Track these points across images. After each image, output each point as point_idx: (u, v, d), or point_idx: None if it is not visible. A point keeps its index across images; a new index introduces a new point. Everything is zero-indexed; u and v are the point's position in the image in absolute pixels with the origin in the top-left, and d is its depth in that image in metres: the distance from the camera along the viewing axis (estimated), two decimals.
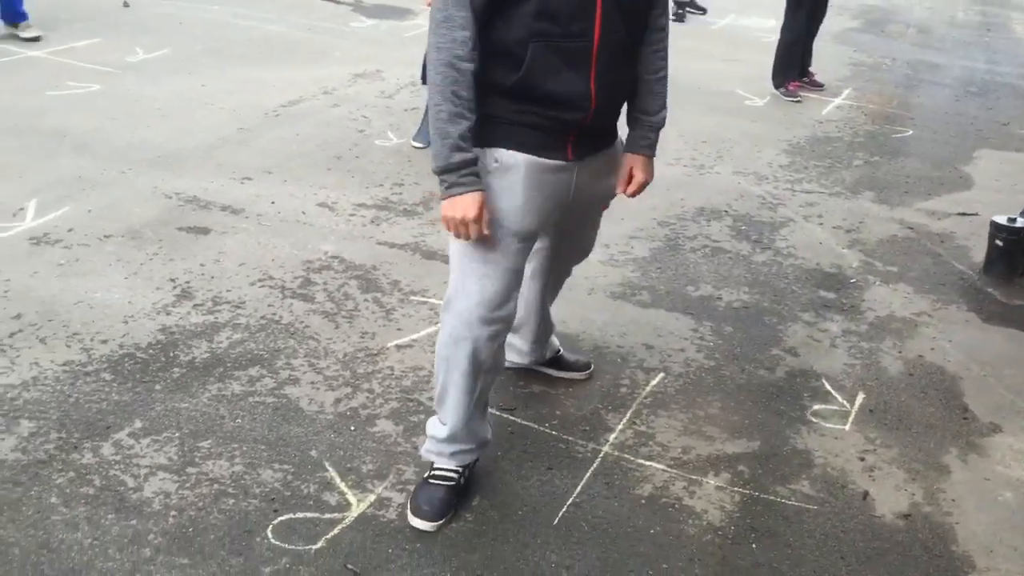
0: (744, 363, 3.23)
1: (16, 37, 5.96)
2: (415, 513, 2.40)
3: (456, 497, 2.46)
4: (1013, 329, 3.60)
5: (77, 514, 2.34)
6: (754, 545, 2.44)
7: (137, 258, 3.57)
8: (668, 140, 5.24)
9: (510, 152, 2.21)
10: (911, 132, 5.79)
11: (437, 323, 3.29)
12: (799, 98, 6.24)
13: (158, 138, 4.70)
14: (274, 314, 3.28)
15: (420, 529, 2.38)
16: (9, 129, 4.66)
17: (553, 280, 2.85)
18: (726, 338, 3.37)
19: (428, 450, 2.50)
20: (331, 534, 2.35)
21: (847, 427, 2.94)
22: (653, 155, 2.47)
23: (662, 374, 3.13)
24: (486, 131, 2.19)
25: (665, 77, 2.41)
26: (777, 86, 6.30)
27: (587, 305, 3.50)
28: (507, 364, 2.83)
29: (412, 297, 3.47)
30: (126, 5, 7.07)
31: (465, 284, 2.29)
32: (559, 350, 3.06)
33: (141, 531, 2.31)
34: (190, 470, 2.52)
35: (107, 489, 2.43)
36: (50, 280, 3.37)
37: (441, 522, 2.39)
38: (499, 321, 2.32)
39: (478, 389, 2.38)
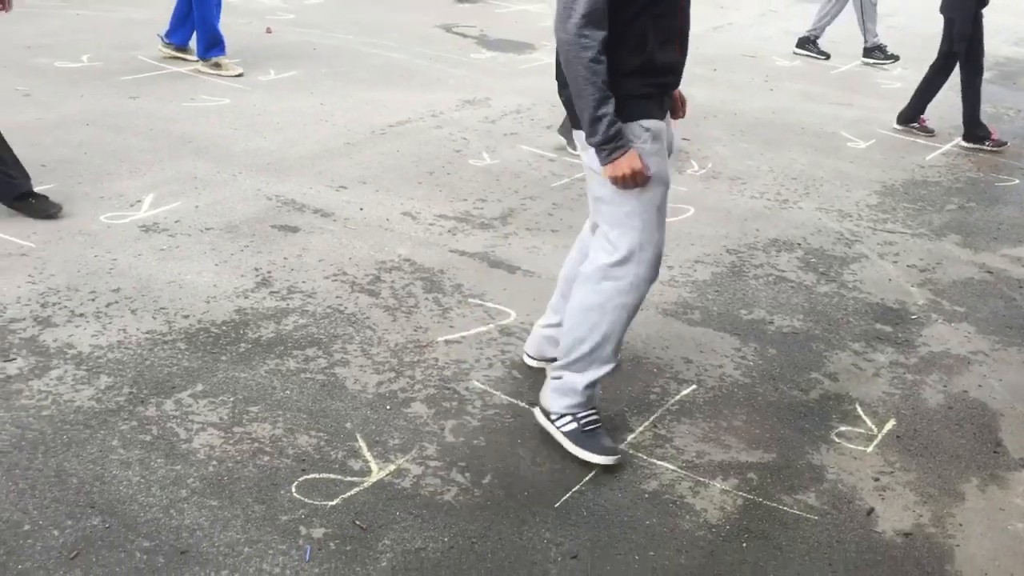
0: (779, 383, 3.30)
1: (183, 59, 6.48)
2: (601, 452, 2.75)
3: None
4: None
5: (131, 456, 2.65)
6: (744, 544, 2.52)
7: (229, 249, 3.93)
8: (756, 175, 5.34)
9: (652, 120, 2.64)
10: (1017, 181, 5.65)
11: (487, 324, 3.51)
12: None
13: (270, 147, 5.11)
14: (340, 304, 3.56)
15: (607, 464, 2.74)
16: (143, 132, 5.16)
17: None
18: (767, 359, 3.44)
19: (579, 403, 2.81)
20: (348, 494, 2.58)
21: (869, 449, 2.98)
22: None
23: (694, 386, 3.23)
24: (626, 108, 2.59)
25: None
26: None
27: (636, 319, 3.64)
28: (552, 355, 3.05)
29: (470, 300, 3.69)
30: (269, 31, 7.65)
31: (650, 234, 2.69)
32: None
33: (183, 475, 2.59)
34: (236, 429, 2.80)
35: (161, 438, 2.73)
36: (150, 262, 3.76)
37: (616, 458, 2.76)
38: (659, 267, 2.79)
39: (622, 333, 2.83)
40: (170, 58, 6.50)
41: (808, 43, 8.55)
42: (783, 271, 4.19)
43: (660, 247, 2.74)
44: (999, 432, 3.12)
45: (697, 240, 4.41)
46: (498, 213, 4.54)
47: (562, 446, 2.82)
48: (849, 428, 3.08)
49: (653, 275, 2.76)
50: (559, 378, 2.84)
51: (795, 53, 8.51)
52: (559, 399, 2.84)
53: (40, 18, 7.37)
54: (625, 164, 2.57)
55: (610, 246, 2.71)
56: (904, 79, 7.84)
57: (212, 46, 6.29)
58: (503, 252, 4.13)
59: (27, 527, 2.37)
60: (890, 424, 3.12)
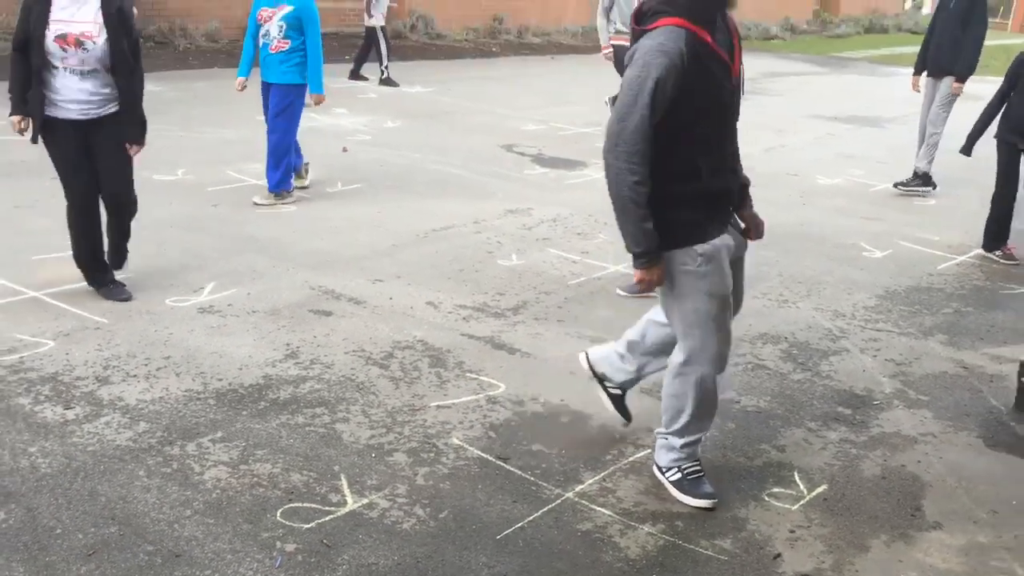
0: (729, 451, 3.67)
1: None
2: (701, 497, 3.25)
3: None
4: (1016, 457, 3.79)
5: (152, 483, 3.20)
6: (654, 575, 2.89)
7: (269, 328, 4.55)
8: (765, 278, 5.75)
9: (706, 245, 3.07)
10: (1022, 290, 5.90)
11: (478, 394, 3.99)
12: (1017, 261, 6.41)
13: (324, 247, 5.79)
14: (352, 374, 4.11)
15: (706, 506, 3.24)
16: (216, 233, 5.91)
17: None
18: (724, 432, 3.82)
19: (680, 458, 3.31)
20: (322, 520, 3.06)
21: (794, 507, 3.32)
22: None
23: (648, 451, 3.63)
24: (680, 233, 3.06)
25: None
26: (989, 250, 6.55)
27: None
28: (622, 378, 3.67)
29: (468, 374, 4.19)
30: (344, 150, 8.50)
31: (708, 340, 3.19)
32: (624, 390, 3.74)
33: (190, 498, 3.13)
34: (241, 467, 3.33)
35: (179, 471, 3.29)
36: (200, 337, 4.40)
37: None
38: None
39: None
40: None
41: (918, 178, 8.42)
42: (763, 360, 4.57)
43: (720, 348, 3.22)
44: (922, 500, 3.42)
45: None
46: (512, 304, 5.06)
47: (516, 492, 3.26)
48: (781, 490, 3.42)
49: (716, 370, 3.25)
50: (665, 439, 3.35)
51: (897, 187, 8.43)
52: (665, 455, 3.36)
53: (149, 138, 8.39)
54: (656, 272, 3.06)
55: (678, 349, 3.24)
56: (937, 196, 8.17)
57: (283, 182, 6.75)
58: (508, 337, 4.63)
59: (59, 531, 2.93)
60: (821, 488, 3.45)
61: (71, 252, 4.79)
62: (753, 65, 18.41)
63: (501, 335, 4.65)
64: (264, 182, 6.79)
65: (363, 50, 12.84)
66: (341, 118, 9.98)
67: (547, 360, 4.41)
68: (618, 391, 3.71)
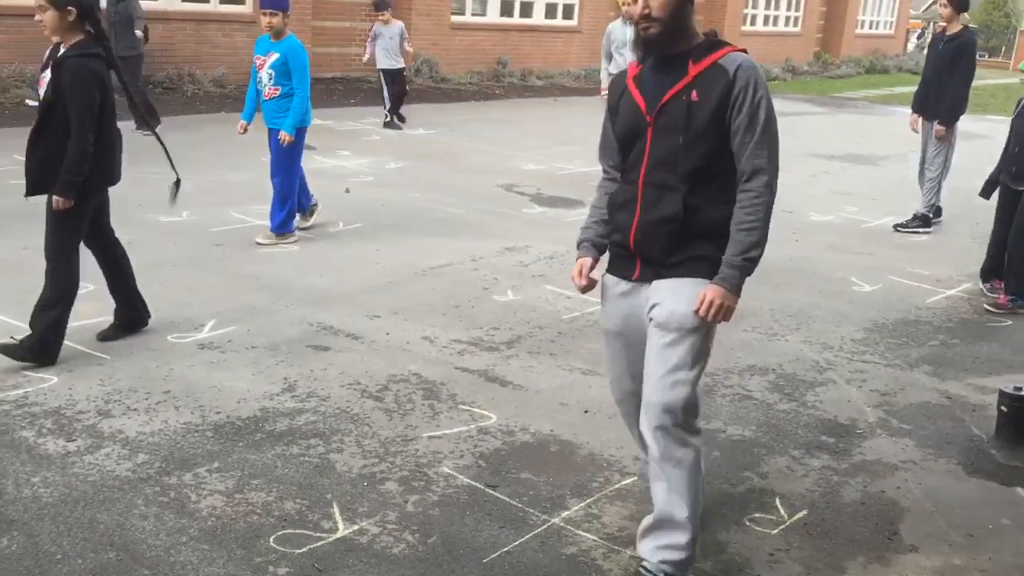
0: (713, 479, 3.76)
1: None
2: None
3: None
4: (993, 483, 3.87)
5: (149, 511, 3.31)
6: None
7: (267, 363, 4.67)
8: (756, 312, 5.85)
9: (607, 275, 3.23)
10: (1009, 322, 5.99)
11: (469, 424, 4.10)
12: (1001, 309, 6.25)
13: (323, 284, 5.93)
14: (348, 407, 4.22)
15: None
16: (219, 272, 6.06)
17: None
18: (709, 461, 3.90)
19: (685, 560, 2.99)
20: (314, 545, 3.16)
21: (774, 532, 3.40)
22: (727, 286, 2.93)
23: (635, 478, 3.73)
24: None
25: (750, 229, 2.95)
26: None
27: (599, 423, 4.17)
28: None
29: (460, 406, 4.30)
30: (347, 191, 8.67)
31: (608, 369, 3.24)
32: None
33: (186, 526, 3.23)
34: (236, 495, 3.44)
35: (176, 500, 3.39)
36: (200, 372, 4.52)
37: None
38: (617, 400, 3.34)
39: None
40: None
41: (916, 220, 8.48)
42: (750, 391, 4.67)
43: (613, 382, 3.23)
44: (900, 524, 3.50)
45: None
46: (506, 339, 5.17)
47: (504, 518, 3.36)
48: (762, 515, 3.51)
49: (616, 400, 3.31)
50: None
51: (896, 229, 8.46)
52: None
53: (155, 183, 8.53)
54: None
55: None
56: (929, 232, 8.30)
57: (286, 223, 6.91)
58: (501, 370, 4.74)
59: (59, 556, 3.03)
60: (801, 514, 3.54)
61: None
62: None
63: (494, 368, 4.76)
64: (267, 222, 6.94)
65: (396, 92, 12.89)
66: (345, 160, 10.17)
67: (539, 392, 4.51)
68: None
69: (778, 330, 5.60)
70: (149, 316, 4.99)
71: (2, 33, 12.26)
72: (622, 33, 9.38)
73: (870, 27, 33.52)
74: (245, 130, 6.90)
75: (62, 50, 4.44)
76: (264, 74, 6.67)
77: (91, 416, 4.00)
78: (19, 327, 4.70)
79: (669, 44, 2.92)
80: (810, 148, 13.19)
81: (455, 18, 18.62)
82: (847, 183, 10.76)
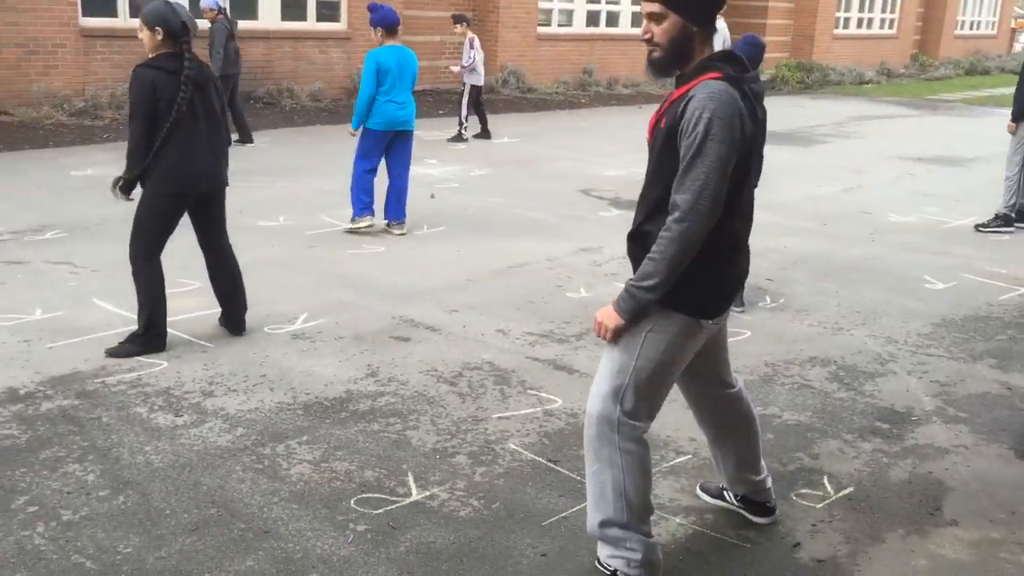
0: (766, 458, 3.95)
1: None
2: None
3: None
4: None
5: (246, 476, 3.70)
6: (680, 557, 3.23)
7: (352, 351, 5.04)
8: (823, 308, 6.00)
9: None
10: None
11: (536, 407, 4.39)
12: None
13: (406, 282, 6.30)
14: (425, 390, 4.56)
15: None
16: (311, 271, 6.49)
17: None
18: (764, 442, 4.08)
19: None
20: (390, 507, 3.50)
21: (819, 506, 3.60)
22: (615, 308, 2.94)
23: (690, 456, 3.97)
24: None
25: (650, 259, 2.84)
26: None
27: (664, 409, 4.41)
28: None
29: (529, 391, 4.59)
30: (432, 197, 9.07)
31: None
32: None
33: (278, 488, 3.60)
34: (323, 464, 3.80)
35: (269, 467, 3.77)
36: (292, 358, 4.92)
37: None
38: None
39: None
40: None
41: (998, 219, 8.49)
42: (809, 380, 4.84)
43: None
44: (943, 501, 3.66)
45: (742, 356, 5.13)
46: (576, 332, 5.45)
47: (563, 488, 3.64)
48: (809, 491, 3.71)
49: None
50: None
51: (977, 229, 8.49)
52: None
53: (255, 190, 9.11)
54: None
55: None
56: (1012, 232, 8.25)
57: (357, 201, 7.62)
58: (569, 359, 5.02)
59: (167, 511, 3.43)
60: (848, 490, 3.73)
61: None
62: (840, 109, 18.56)
63: (563, 357, 5.05)
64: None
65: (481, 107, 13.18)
66: (432, 168, 10.59)
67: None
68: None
69: (844, 325, 5.74)
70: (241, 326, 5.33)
71: (115, 54, 13.10)
72: None
73: (971, 28, 32.72)
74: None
75: None
76: None
77: (196, 396, 4.43)
78: (130, 317, 5.17)
79: (668, 69, 2.95)
80: (896, 151, 13.11)
81: (541, 29, 18.98)
82: (931, 184, 10.69)
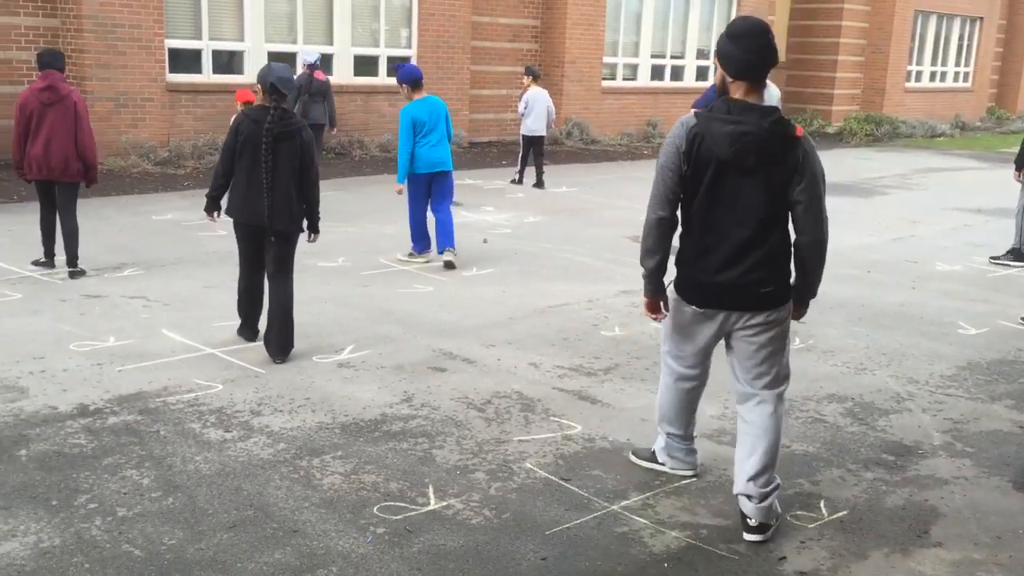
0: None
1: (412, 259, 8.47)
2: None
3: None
4: None
5: (283, 483, 4.07)
6: (666, 565, 3.48)
7: (392, 379, 5.41)
8: (850, 350, 6.19)
9: None
10: None
11: (556, 432, 4.69)
12: None
13: (450, 319, 6.67)
14: (454, 415, 4.89)
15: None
16: (362, 307, 6.90)
17: None
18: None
19: None
20: (409, 514, 3.83)
21: (811, 525, 3.81)
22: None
23: (694, 478, 4.21)
24: None
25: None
26: None
27: None
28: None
29: (552, 418, 4.89)
30: (485, 242, 9.47)
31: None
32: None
33: (310, 495, 3.96)
34: (352, 476, 4.15)
35: (304, 476, 4.14)
36: (335, 384, 5.31)
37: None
38: None
39: None
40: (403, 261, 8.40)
41: (1010, 253, 9.23)
42: (824, 415, 5.04)
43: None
44: (933, 526, 3.84)
45: None
46: (605, 366, 5.74)
47: (569, 503, 3.93)
48: (805, 513, 3.93)
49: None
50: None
51: (991, 260, 9.21)
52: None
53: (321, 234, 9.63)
54: None
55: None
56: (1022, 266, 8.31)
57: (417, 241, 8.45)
58: (594, 391, 5.31)
59: (210, 511, 3.81)
60: (841, 513, 3.93)
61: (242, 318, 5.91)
62: (907, 162, 18.56)
63: (588, 389, 5.34)
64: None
65: (537, 158, 13.70)
66: (488, 215, 11.02)
67: (624, 409, 5.05)
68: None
69: (868, 365, 5.91)
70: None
71: (198, 107, 13.92)
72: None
73: None
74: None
75: None
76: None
77: (245, 414, 4.84)
78: (193, 346, 5.62)
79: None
80: (956, 202, 13.13)
81: (606, 83, 19.45)
82: (985, 235, 10.72)
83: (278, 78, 5.55)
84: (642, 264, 3.93)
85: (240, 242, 5.83)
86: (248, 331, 6.00)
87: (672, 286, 3.94)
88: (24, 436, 4.46)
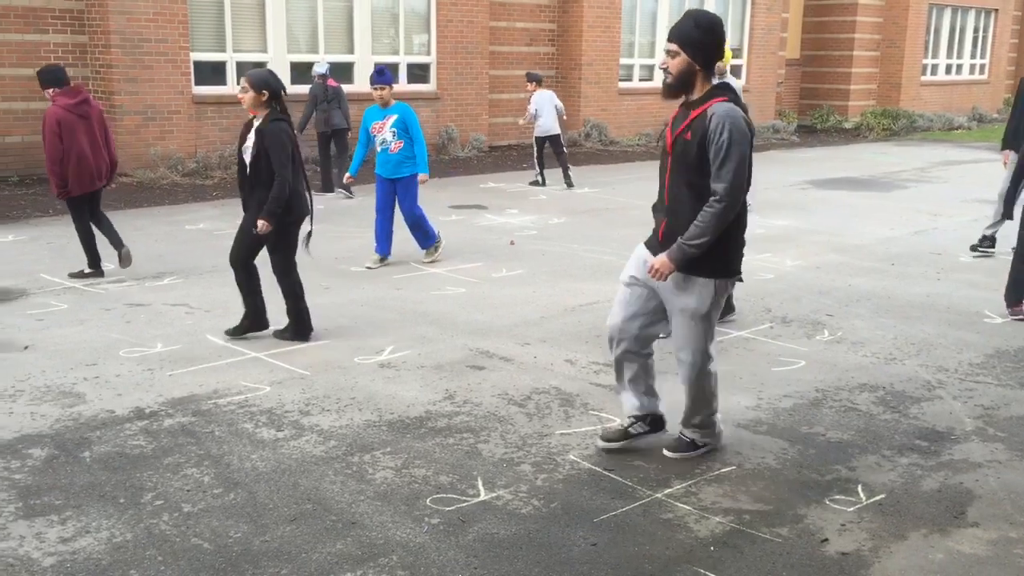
0: (804, 469, 4.32)
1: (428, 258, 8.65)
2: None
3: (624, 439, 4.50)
4: None
5: (337, 478, 4.22)
6: (712, 548, 3.62)
7: (432, 378, 5.57)
8: (879, 340, 6.30)
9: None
10: None
11: (596, 425, 4.83)
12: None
13: (484, 319, 6.83)
14: (496, 411, 5.04)
15: (599, 446, 4.44)
16: (398, 309, 7.07)
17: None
18: (805, 456, 4.47)
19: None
20: (461, 505, 3.98)
21: (850, 509, 3.94)
22: (671, 256, 4.11)
23: (735, 467, 4.34)
24: None
25: (701, 226, 4.04)
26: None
27: None
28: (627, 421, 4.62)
29: (591, 412, 5.04)
30: (512, 244, 9.62)
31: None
32: (660, 416, 4.62)
33: (364, 489, 4.12)
34: (403, 470, 4.31)
35: (357, 471, 4.30)
36: (378, 384, 5.47)
37: (606, 444, 4.50)
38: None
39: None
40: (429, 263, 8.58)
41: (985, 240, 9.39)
42: (857, 404, 5.16)
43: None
44: (968, 507, 3.96)
45: (794, 383, 5.48)
46: None
47: (616, 492, 4.07)
48: (843, 497, 4.05)
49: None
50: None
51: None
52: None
53: (349, 239, 9.82)
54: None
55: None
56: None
57: (429, 237, 8.71)
58: None
59: (270, 506, 3.98)
60: (879, 497, 4.05)
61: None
62: (925, 155, 18.60)
63: None
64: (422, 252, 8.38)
65: (560, 156, 13.90)
66: (513, 217, 11.18)
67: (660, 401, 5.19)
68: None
69: (897, 355, 6.02)
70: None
71: (224, 118, 14.14)
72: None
73: None
74: (352, 182, 8.96)
75: (256, 123, 6.02)
76: (387, 133, 8.40)
77: (295, 414, 5.00)
78: (238, 350, 5.80)
79: (675, 94, 4.03)
80: (977, 194, 13.17)
81: (623, 84, 19.58)
82: (1009, 226, 10.74)
83: (278, 81, 6.02)
84: (705, 245, 4.05)
85: (293, 238, 6.19)
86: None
87: (729, 271, 4.23)
88: (86, 439, 4.64)
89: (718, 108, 3.97)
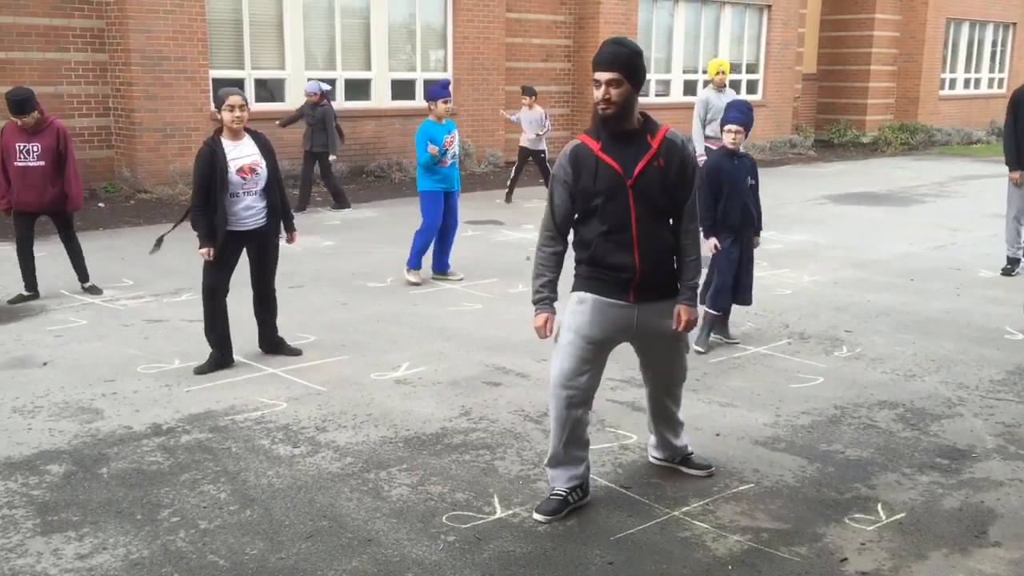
0: (823, 487, 4.28)
1: (444, 279, 8.65)
2: (535, 510, 4.03)
3: (564, 508, 4.03)
4: None
5: (353, 495, 4.22)
6: (730, 567, 3.59)
7: (448, 394, 5.56)
8: (898, 357, 6.25)
9: (584, 294, 4.04)
10: None
11: (612, 442, 4.81)
12: None
13: (500, 335, 6.82)
14: (512, 427, 5.03)
15: (536, 519, 3.97)
16: (414, 325, 7.07)
17: (655, 398, 4.32)
18: (824, 474, 4.43)
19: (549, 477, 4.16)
20: (477, 523, 3.96)
21: (870, 528, 3.90)
22: (692, 304, 4.08)
23: (753, 484, 4.31)
24: (576, 282, 4.06)
25: (696, 257, 4.07)
26: None
27: (727, 444, 4.77)
28: (652, 460, 4.52)
29: (607, 429, 5.01)
30: (528, 259, 9.61)
31: (557, 364, 4.16)
32: (689, 453, 4.46)
33: (380, 506, 4.11)
34: (419, 487, 4.30)
35: (373, 488, 4.29)
36: (395, 400, 5.47)
37: (546, 518, 3.98)
38: (572, 388, 4.04)
39: (565, 432, 4.05)
40: (440, 279, 8.59)
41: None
42: (876, 421, 5.11)
43: (560, 373, 4.14)
44: (990, 526, 3.91)
45: (812, 399, 5.44)
46: None
47: (632, 510, 4.04)
48: (863, 516, 4.01)
49: (555, 389, 4.15)
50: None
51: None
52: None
53: (365, 255, 9.85)
54: (537, 320, 4.18)
55: None
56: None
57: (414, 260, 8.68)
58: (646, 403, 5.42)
59: (286, 523, 3.97)
60: (899, 515, 4.01)
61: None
62: (944, 169, 18.49)
63: (641, 400, 5.42)
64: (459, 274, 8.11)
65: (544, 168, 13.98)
66: (529, 232, 11.15)
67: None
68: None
69: (917, 372, 5.97)
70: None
71: None
72: (718, 100, 10.34)
73: None
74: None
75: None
76: (457, 147, 8.59)
77: (311, 431, 5.01)
78: (256, 366, 5.81)
79: (617, 123, 3.89)
80: (995, 209, 13.06)
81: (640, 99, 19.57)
82: None
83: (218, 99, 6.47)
84: (700, 259, 4.20)
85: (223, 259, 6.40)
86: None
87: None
88: (103, 455, 4.66)
89: (675, 131, 3.99)
